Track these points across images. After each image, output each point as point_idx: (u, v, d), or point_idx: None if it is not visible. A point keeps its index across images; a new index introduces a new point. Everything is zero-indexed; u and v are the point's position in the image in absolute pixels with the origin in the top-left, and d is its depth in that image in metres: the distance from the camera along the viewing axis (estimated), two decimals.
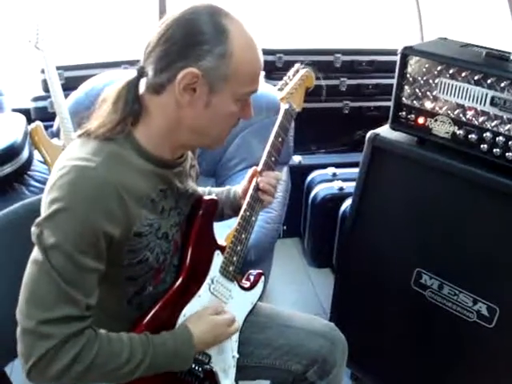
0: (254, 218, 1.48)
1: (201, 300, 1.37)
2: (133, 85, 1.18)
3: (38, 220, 1.11)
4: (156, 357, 1.20)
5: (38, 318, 1.07)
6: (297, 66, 1.64)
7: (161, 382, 1.30)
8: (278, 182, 1.55)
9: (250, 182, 1.54)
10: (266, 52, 3.48)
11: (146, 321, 1.27)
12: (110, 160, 1.13)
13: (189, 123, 1.19)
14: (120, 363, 1.16)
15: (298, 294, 2.97)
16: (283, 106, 1.59)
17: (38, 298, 1.08)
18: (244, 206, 1.48)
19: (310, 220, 3.15)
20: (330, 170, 3.17)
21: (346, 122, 3.64)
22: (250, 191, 1.49)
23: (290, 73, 1.63)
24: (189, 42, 1.11)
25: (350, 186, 2.89)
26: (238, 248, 1.45)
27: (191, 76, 1.11)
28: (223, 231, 1.56)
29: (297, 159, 3.27)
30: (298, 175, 3.13)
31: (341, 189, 2.99)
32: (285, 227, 3.35)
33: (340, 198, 2.91)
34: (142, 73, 1.17)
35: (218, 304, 1.39)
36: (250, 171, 1.55)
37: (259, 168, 1.52)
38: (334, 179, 3.09)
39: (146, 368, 1.19)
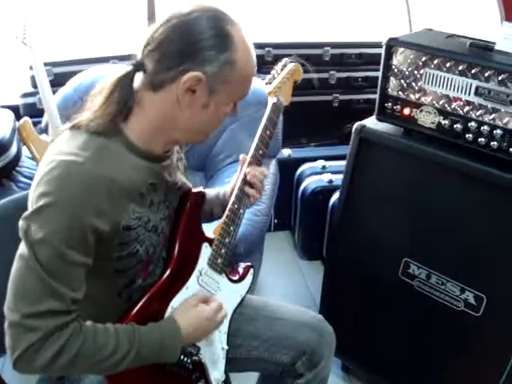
0: (241, 211, 1.49)
1: (189, 292, 1.37)
2: (128, 79, 1.18)
3: (25, 214, 1.11)
4: (142, 348, 1.20)
5: (23, 312, 1.08)
6: (284, 60, 1.64)
7: (149, 374, 1.31)
8: (265, 177, 1.55)
9: (240, 170, 1.54)
10: (255, 46, 3.50)
11: (133, 312, 1.27)
12: (99, 155, 1.13)
13: (184, 122, 1.21)
14: (106, 355, 1.16)
15: (288, 287, 2.98)
16: (271, 100, 1.59)
17: (23, 292, 1.09)
18: (232, 199, 1.49)
19: (301, 213, 3.15)
20: (320, 163, 3.18)
21: (335, 114, 3.65)
22: (238, 183, 1.50)
23: (278, 67, 1.63)
24: (194, 47, 1.13)
25: (339, 179, 2.85)
26: (227, 240, 1.45)
27: (195, 79, 1.14)
28: (211, 224, 1.56)
29: (286, 152, 3.28)
30: (288, 168, 3.14)
31: (330, 181, 3.00)
32: (276, 220, 3.36)
33: (330, 190, 2.91)
34: (139, 68, 1.17)
35: (203, 294, 1.39)
36: (241, 157, 1.55)
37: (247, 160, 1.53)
38: (324, 172, 3.11)
39: (132, 359, 1.19)
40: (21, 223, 1.11)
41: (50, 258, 1.08)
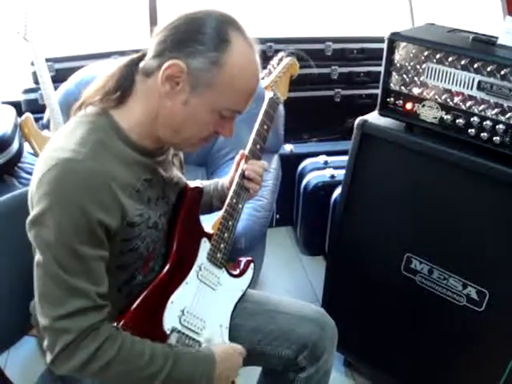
0: (240, 205, 1.49)
1: (188, 287, 1.37)
2: (133, 63, 1.21)
3: (31, 218, 1.11)
4: (174, 369, 1.21)
5: (51, 316, 1.10)
6: (281, 54, 1.64)
7: None
8: (268, 170, 1.55)
9: (237, 165, 1.54)
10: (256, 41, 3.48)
11: (133, 307, 1.27)
12: (97, 150, 1.13)
13: (165, 115, 1.19)
14: (139, 365, 1.17)
15: (291, 282, 2.98)
16: (268, 95, 1.60)
17: (47, 297, 1.11)
18: (230, 193, 1.49)
19: (303, 208, 3.15)
20: (322, 158, 3.17)
21: (337, 110, 3.64)
22: (236, 178, 1.50)
23: (274, 61, 1.64)
24: (187, 37, 1.13)
25: (341, 174, 2.87)
26: (225, 235, 1.45)
27: (176, 68, 1.12)
28: (210, 219, 1.56)
29: (288, 148, 3.27)
30: (290, 164, 3.14)
31: (332, 176, 3.00)
32: (278, 216, 3.36)
33: (332, 185, 2.91)
34: (144, 54, 1.20)
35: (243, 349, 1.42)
36: (238, 155, 1.55)
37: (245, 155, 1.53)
38: (326, 167, 3.10)
39: (163, 378, 1.20)
40: (28, 228, 1.12)
41: (66, 257, 1.08)
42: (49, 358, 1.12)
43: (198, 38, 1.12)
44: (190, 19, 1.14)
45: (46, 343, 1.13)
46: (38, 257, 1.11)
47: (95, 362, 1.12)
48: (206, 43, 1.12)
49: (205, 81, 1.14)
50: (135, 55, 1.22)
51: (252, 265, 1.60)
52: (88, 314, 1.12)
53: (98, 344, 1.12)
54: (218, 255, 1.44)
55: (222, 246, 1.45)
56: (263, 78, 1.59)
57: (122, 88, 1.20)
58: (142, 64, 1.20)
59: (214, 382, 1.29)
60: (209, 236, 1.44)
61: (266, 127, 1.54)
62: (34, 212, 1.11)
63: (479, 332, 1.81)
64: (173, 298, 1.33)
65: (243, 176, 1.49)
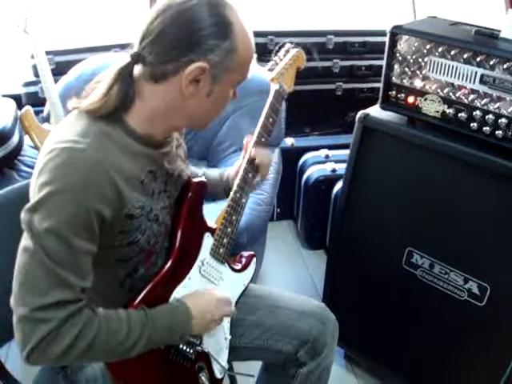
0: (244, 200, 1.48)
1: (191, 282, 1.37)
2: (128, 71, 1.17)
3: (27, 206, 1.10)
4: (154, 332, 1.21)
5: (32, 305, 1.07)
6: (287, 45, 1.62)
7: (151, 364, 1.31)
8: (271, 162, 1.55)
9: (245, 152, 1.53)
10: (257, 34, 3.46)
11: (136, 302, 1.27)
12: (99, 141, 1.12)
13: (188, 111, 1.21)
14: (120, 339, 1.16)
15: (292, 276, 2.98)
16: (273, 87, 1.58)
17: (31, 285, 1.08)
18: (234, 188, 1.48)
19: (303, 202, 3.15)
20: (323, 152, 3.17)
21: (339, 103, 3.64)
22: (244, 164, 1.49)
23: (281, 53, 1.62)
24: (195, 36, 1.11)
25: (342, 168, 2.87)
26: (229, 230, 1.45)
27: (199, 70, 1.13)
28: (214, 213, 1.55)
29: (289, 142, 3.26)
30: (291, 157, 3.14)
31: (333, 170, 2.99)
32: (278, 210, 3.36)
33: (333, 179, 2.91)
34: (138, 59, 1.16)
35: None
36: (244, 141, 1.55)
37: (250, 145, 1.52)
38: (327, 161, 3.09)
39: (144, 343, 1.19)
40: (23, 215, 1.10)
41: (57, 247, 1.07)
42: (24, 349, 1.08)
43: (203, 33, 1.11)
44: (183, 14, 1.11)
45: (18, 335, 1.09)
46: (25, 243, 1.09)
47: (75, 348, 1.10)
48: (215, 35, 1.12)
49: (224, 68, 1.16)
50: (125, 62, 1.17)
51: (254, 259, 1.60)
52: (68, 305, 1.09)
53: (77, 330, 1.10)
54: (221, 250, 1.44)
55: (225, 240, 1.44)
56: (269, 70, 1.57)
57: (126, 101, 1.17)
58: (141, 69, 1.17)
59: (195, 325, 1.30)
60: (212, 231, 1.44)
61: (271, 120, 1.53)
62: (32, 200, 1.10)
63: (480, 326, 1.81)
64: (175, 292, 1.33)
65: (251, 162, 1.49)
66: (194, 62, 1.12)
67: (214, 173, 1.65)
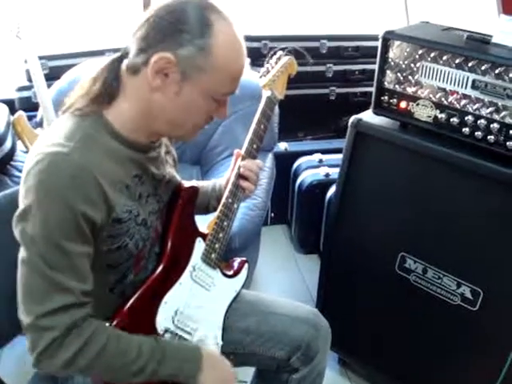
0: (235, 205, 1.48)
1: (182, 287, 1.36)
2: (116, 63, 1.19)
3: (17, 214, 1.11)
4: (161, 365, 1.21)
5: (35, 313, 1.09)
6: (279, 53, 1.63)
7: None
8: (261, 170, 1.54)
9: (233, 165, 1.53)
10: (251, 39, 3.49)
11: (126, 307, 1.27)
12: (84, 144, 1.12)
13: (159, 109, 1.19)
14: (126, 361, 1.17)
15: (285, 281, 2.98)
16: (265, 94, 1.58)
17: (31, 294, 1.10)
18: (226, 193, 1.48)
19: (297, 206, 3.15)
20: (317, 157, 3.17)
21: (332, 108, 3.63)
22: (232, 178, 1.49)
23: (272, 60, 1.62)
24: (171, 29, 1.12)
25: (336, 172, 2.84)
26: (220, 235, 1.44)
27: (165, 61, 1.11)
28: (205, 219, 1.55)
29: (283, 146, 3.26)
30: (285, 162, 3.13)
31: (327, 175, 2.99)
32: (272, 214, 3.36)
33: (326, 183, 2.90)
34: (126, 53, 1.18)
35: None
36: (234, 155, 1.54)
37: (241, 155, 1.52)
38: (321, 165, 3.09)
39: (149, 373, 1.20)
40: (14, 225, 1.11)
41: (51, 253, 1.08)
42: (33, 355, 1.11)
43: (181, 27, 1.11)
44: (170, 11, 1.12)
45: (27, 343, 1.11)
46: (22, 254, 1.10)
47: (81, 358, 1.12)
48: (191, 31, 1.11)
49: (195, 68, 1.13)
50: (116, 55, 1.19)
51: (246, 265, 1.59)
52: (71, 310, 1.11)
53: (83, 341, 1.12)
54: (213, 255, 1.44)
55: (216, 246, 1.44)
56: (261, 77, 1.58)
57: (109, 90, 1.18)
58: (125, 62, 1.18)
59: (200, 379, 1.28)
60: (203, 236, 1.43)
61: (262, 127, 1.53)
62: (20, 207, 1.10)
63: (473, 331, 1.81)
64: (166, 298, 1.33)
65: (239, 175, 1.48)
66: (161, 52, 1.11)
67: (206, 183, 1.64)
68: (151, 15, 1.14)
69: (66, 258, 1.09)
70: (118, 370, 1.18)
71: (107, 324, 1.21)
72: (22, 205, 1.10)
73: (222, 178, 1.62)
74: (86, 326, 1.13)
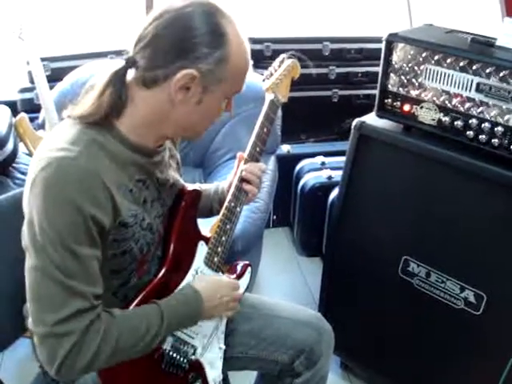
0: (238, 209, 1.47)
1: None
2: (121, 75, 1.16)
3: (26, 221, 1.10)
4: (170, 318, 1.24)
5: (50, 322, 1.08)
6: (282, 56, 1.62)
7: (144, 374, 1.30)
8: (264, 173, 1.53)
9: (236, 168, 1.52)
10: (253, 41, 3.48)
11: None
12: (90, 149, 1.12)
13: (178, 119, 1.20)
14: (141, 333, 1.19)
15: (287, 283, 2.97)
16: (268, 97, 1.57)
17: (45, 302, 1.09)
18: (229, 197, 1.47)
19: (300, 209, 3.14)
20: (319, 159, 3.16)
21: (335, 110, 3.62)
22: (235, 182, 1.48)
23: (276, 63, 1.61)
24: (188, 43, 1.11)
25: (338, 175, 2.83)
26: (223, 238, 1.44)
27: (188, 77, 1.12)
28: (208, 222, 1.55)
29: (285, 148, 3.26)
30: (287, 164, 3.13)
31: (329, 177, 2.99)
32: (275, 216, 3.35)
33: (329, 186, 2.90)
34: (131, 64, 1.15)
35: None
36: (237, 158, 1.54)
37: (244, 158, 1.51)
38: (323, 168, 3.09)
39: (165, 329, 1.23)
40: (25, 231, 1.11)
41: (63, 258, 1.07)
42: (53, 366, 1.09)
43: (196, 40, 1.11)
44: (181, 22, 1.11)
45: (44, 354, 1.10)
46: (33, 261, 1.09)
47: (101, 355, 1.12)
48: (209, 44, 1.12)
49: (216, 78, 1.15)
50: (119, 66, 1.17)
51: (249, 269, 1.58)
52: (85, 314, 1.10)
53: (99, 339, 1.11)
54: (215, 259, 1.43)
55: (219, 249, 1.43)
56: (264, 80, 1.57)
57: (118, 103, 1.16)
58: (133, 74, 1.16)
59: (206, 308, 1.33)
60: (206, 239, 1.43)
61: (265, 130, 1.52)
62: (28, 214, 1.10)
63: (477, 335, 1.80)
64: None
65: (241, 179, 1.48)
66: (184, 69, 1.11)
67: (209, 186, 1.64)
68: (162, 28, 1.12)
69: (77, 263, 1.09)
70: (139, 342, 1.19)
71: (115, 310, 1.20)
72: (31, 212, 1.09)
73: (224, 181, 1.62)
74: (98, 325, 1.12)
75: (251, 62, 1.24)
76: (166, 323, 1.23)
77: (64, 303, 1.08)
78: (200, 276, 1.39)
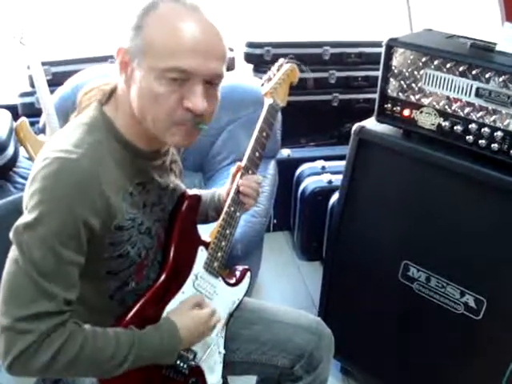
0: (238, 214, 1.47)
1: (184, 296, 1.36)
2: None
3: (20, 218, 1.10)
4: (142, 351, 1.20)
5: (14, 316, 1.07)
6: (281, 60, 1.62)
7: (144, 379, 1.29)
8: (260, 184, 1.52)
9: (233, 178, 1.52)
10: (254, 45, 3.48)
11: (128, 317, 1.26)
12: (93, 151, 1.13)
13: (135, 107, 1.16)
14: (105, 357, 1.15)
15: (287, 288, 2.97)
16: (267, 101, 1.57)
17: (15, 296, 1.08)
18: (228, 202, 1.47)
19: (300, 213, 3.14)
20: (319, 163, 3.16)
21: (335, 114, 3.63)
22: (231, 194, 1.47)
23: (274, 67, 1.61)
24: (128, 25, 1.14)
25: (338, 179, 2.83)
26: (223, 244, 1.44)
27: (120, 52, 1.14)
28: (208, 227, 1.55)
29: (286, 152, 3.26)
30: (287, 169, 3.12)
31: (330, 182, 2.99)
32: (275, 221, 3.35)
33: (329, 190, 2.90)
34: None
35: (197, 297, 1.38)
36: (234, 168, 1.53)
37: (243, 163, 1.50)
38: (323, 172, 3.09)
39: (132, 361, 1.18)
40: (15, 225, 1.10)
41: (43, 257, 1.07)
42: (6, 361, 1.08)
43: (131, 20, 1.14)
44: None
45: (1, 345, 1.08)
46: (15, 253, 1.09)
47: (57, 362, 1.10)
48: (135, 18, 1.13)
49: (137, 49, 1.12)
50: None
51: (248, 273, 1.58)
52: (51, 317, 1.09)
53: (57, 346, 1.09)
54: (215, 264, 1.43)
55: (219, 254, 1.43)
56: (262, 85, 1.57)
57: (112, 84, 1.23)
58: None
59: (184, 341, 1.29)
60: (206, 244, 1.43)
61: (265, 134, 1.52)
62: (24, 209, 1.10)
63: (477, 340, 1.80)
64: (168, 307, 1.33)
65: (238, 191, 1.47)
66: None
67: (206, 193, 1.64)
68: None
69: (57, 265, 1.08)
70: (98, 367, 1.16)
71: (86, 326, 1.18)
72: (25, 207, 1.10)
73: (221, 188, 1.61)
74: (60, 332, 1.10)
75: (189, 41, 1.11)
76: (135, 353, 1.19)
77: (32, 301, 1.07)
78: (179, 310, 1.33)
